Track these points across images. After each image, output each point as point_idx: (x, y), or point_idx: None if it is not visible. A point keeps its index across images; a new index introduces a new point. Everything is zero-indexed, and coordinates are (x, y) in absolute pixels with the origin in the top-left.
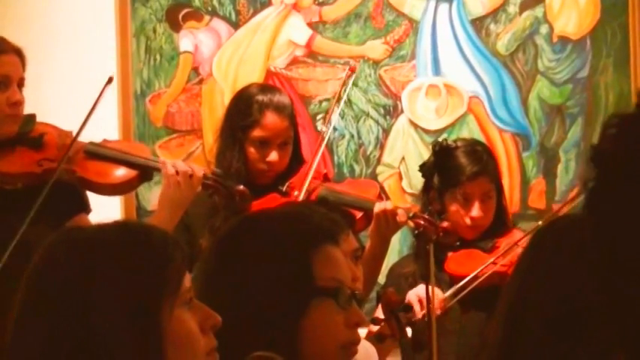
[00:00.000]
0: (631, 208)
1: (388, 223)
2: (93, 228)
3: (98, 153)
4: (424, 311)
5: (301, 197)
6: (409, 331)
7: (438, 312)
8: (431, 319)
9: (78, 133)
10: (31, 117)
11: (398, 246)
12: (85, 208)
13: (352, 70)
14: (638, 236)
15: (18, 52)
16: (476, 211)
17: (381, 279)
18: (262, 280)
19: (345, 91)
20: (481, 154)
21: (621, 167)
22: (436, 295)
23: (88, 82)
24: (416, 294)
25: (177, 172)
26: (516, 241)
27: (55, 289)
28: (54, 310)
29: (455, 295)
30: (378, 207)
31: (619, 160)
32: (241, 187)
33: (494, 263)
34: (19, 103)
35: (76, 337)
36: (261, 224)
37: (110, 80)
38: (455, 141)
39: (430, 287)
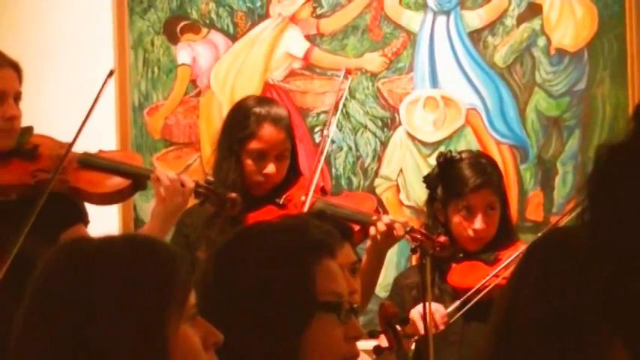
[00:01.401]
0: (625, 234)
1: (385, 238)
2: (100, 240)
3: (91, 163)
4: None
5: (306, 206)
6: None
7: (442, 327)
8: (428, 332)
9: (72, 143)
10: (28, 129)
11: (396, 258)
12: (83, 218)
13: (349, 72)
14: (631, 268)
15: (14, 66)
16: (478, 223)
17: (379, 291)
18: (263, 295)
19: (343, 95)
20: (485, 166)
21: (611, 196)
22: (438, 311)
23: (85, 94)
24: (418, 311)
25: (168, 181)
26: (518, 254)
27: (60, 301)
28: (58, 322)
29: (459, 309)
30: (373, 230)
31: (609, 189)
32: (233, 194)
33: (496, 276)
34: (14, 118)
35: (81, 350)
36: (260, 239)
37: (111, 73)
38: (459, 153)
39: (428, 301)
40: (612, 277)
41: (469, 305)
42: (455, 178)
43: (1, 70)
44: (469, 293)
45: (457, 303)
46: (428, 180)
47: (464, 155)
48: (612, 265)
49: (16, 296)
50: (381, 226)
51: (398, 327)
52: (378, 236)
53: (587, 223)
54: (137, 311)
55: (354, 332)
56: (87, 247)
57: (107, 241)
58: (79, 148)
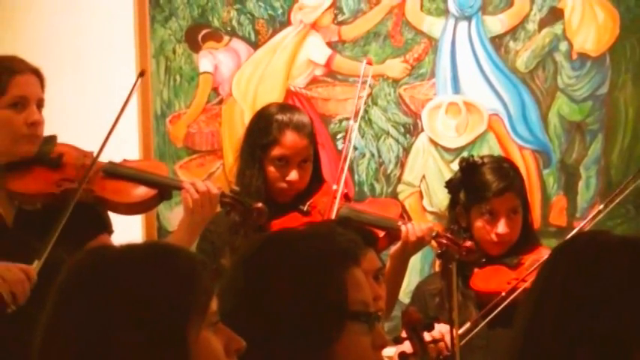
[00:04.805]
0: None
1: (414, 245)
2: (122, 247)
3: (116, 172)
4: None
5: (333, 213)
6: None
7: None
8: (454, 340)
9: (99, 152)
10: (52, 138)
11: (419, 265)
12: (107, 228)
13: (369, 63)
14: None
15: (36, 73)
16: (502, 227)
17: (402, 297)
18: (295, 305)
19: (365, 88)
20: (507, 170)
21: None
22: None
23: (108, 103)
24: (439, 332)
25: (197, 191)
26: (543, 258)
27: (82, 307)
28: (81, 329)
29: (485, 315)
30: (405, 232)
31: None
32: (259, 204)
33: (523, 281)
34: (37, 124)
35: (103, 355)
36: (290, 247)
37: (142, 73)
38: (481, 157)
39: (454, 307)
40: None
41: (497, 311)
42: (477, 183)
43: (23, 76)
44: (497, 299)
45: (486, 309)
46: (450, 185)
47: (486, 160)
48: None
49: (42, 305)
50: (412, 237)
51: (422, 333)
52: (409, 239)
53: None
54: (158, 318)
55: (380, 341)
56: (109, 254)
57: (129, 249)
58: (102, 158)
